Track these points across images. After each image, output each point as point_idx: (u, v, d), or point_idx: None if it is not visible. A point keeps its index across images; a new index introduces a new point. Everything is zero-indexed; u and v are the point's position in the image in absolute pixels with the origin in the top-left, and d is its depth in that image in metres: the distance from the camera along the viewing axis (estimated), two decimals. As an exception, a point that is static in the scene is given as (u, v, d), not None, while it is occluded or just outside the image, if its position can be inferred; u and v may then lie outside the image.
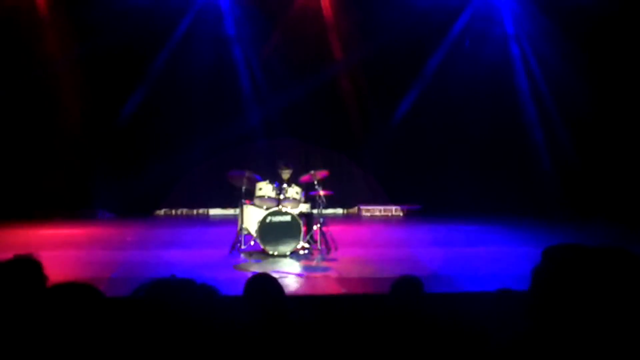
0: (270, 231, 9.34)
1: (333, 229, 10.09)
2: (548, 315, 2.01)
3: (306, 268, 8.79)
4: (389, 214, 15.12)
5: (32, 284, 2.79)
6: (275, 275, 4.13)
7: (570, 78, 14.06)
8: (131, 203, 14.20)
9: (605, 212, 13.24)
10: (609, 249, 2.10)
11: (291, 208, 9.56)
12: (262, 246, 9.37)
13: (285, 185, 9.66)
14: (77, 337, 1.96)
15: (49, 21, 14.00)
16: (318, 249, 9.63)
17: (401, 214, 15.11)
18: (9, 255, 2.93)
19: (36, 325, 1.99)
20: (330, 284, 7.89)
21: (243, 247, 9.63)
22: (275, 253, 9.30)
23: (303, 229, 9.42)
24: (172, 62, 14.32)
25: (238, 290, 3.78)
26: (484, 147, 14.67)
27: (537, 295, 2.07)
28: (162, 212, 15.13)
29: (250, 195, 9.75)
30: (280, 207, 9.48)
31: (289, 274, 8.36)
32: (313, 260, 9.30)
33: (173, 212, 15.21)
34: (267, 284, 3.75)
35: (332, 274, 8.35)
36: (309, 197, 9.96)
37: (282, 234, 9.35)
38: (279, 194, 9.58)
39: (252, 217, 9.69)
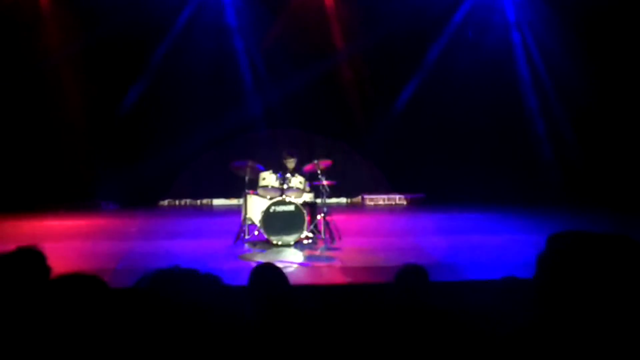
0: (274, 221, 9.34)
1: (337, 219, 10.08)
2: (553, 302, 2.00)
3: (310, 258, 8.79)
4: (393, 203, 15.11)
5: (35, 276, 2.79)
6: (279, 265, 4.13)
7: (572, 66, 14.00)
8: (135, 194, 14.20)
9: (607, 200, 13.22)
10: (612, 236, 2.10)
11: (295, 198, 9.55)
12: (266, 236, 9.37)
13: (288, 175, 9.62)
14: (81, 329, 1.96)
15: (50, 12, 13.96)
16: (322, 239, 9.62)
17: (405, 202, 15.10)
18: (12, 246, 2.92)
19: (40, 317, 1.98)
20: (334, 273, 7.89)
21: (247, 237, 9.64)
22: (280, 243, 9.31)
23: (307, 218, 9.41)
24: (174, 52, 14.27)
25: (242, 280, 3.79)
26: (486, 135, 14.62)
27: (542, 283, 2.07)
28: (165, 202, 15.14)
29: (253, 185, 9.74)
30: (283, 196, 9.47)
31: (293, 263, 8.37)
32: (317, 249, 9.30)
33: (177, 202, 15.21)
34: (272, 274, 3.74)
35: (336, 263, 8.35)
36: (312, 186, 9.95)
37: (286, 223, 9.34)
38: (282, 184, 9.56)
39: (256, 207, 9.69)
